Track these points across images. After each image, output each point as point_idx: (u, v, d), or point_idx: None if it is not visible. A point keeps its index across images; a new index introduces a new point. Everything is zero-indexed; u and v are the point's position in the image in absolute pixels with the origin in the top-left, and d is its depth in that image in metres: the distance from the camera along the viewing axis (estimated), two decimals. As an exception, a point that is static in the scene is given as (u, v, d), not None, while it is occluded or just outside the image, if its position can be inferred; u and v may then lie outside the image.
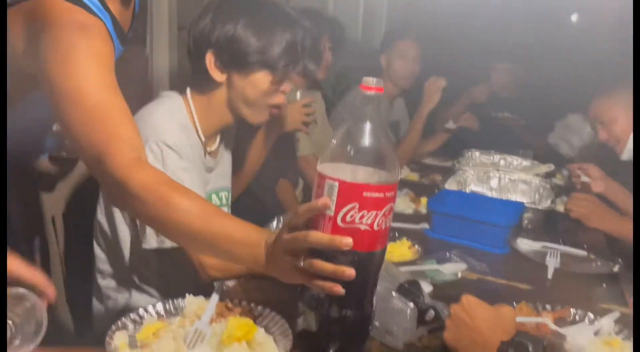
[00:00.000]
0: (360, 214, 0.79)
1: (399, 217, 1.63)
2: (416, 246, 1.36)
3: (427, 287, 1.08)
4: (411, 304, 0.93)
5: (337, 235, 0.78)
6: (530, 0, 3.15)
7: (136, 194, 0.85)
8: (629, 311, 1.11)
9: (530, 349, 0.79)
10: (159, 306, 0.95)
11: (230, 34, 1.16)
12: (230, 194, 1.45)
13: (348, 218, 0.80)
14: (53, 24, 0.91)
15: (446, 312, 0.91)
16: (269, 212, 1.54)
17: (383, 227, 0.81)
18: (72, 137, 0.91)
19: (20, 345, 0.70)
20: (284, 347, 0.85)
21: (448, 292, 1.09)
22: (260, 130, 1.70)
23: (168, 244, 1.15)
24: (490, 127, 2.69)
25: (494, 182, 1.88)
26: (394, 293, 0.94)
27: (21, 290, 0.74)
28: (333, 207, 0.80)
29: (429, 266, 1.25)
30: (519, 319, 0.96)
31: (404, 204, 1.76)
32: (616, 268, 1.36)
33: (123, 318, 0.90)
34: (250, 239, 0.84)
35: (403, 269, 1.17)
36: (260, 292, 1.09)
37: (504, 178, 1.88)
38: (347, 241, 0.76)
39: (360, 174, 0.81)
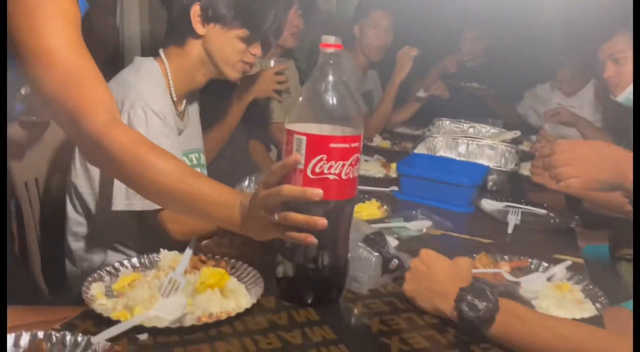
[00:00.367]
0: (329, 164, 0.84)
1: (370, 180, 1.69)
2: (385, 206, 1.41)
3: (393, 242, 1.13)
4: (376, 253, 0.98)
5: (308, 187, 0.83)
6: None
7: (113, 154, 0.88)
8: (581, 260, 1.19)
9: (487, 291, 0.84)
10: (134, 260, 0.98)
11: None
12: (202, 156, 1.47)
13: (317, 169, 0.84)
14: None
15: (410, 261, 0.97)
16: (242, 173, 1.57)
17: (351, 176, 0.86)
18: (45, 99, 0.92)
19: None
20: (255, 294, 0.89)
21: (412, 246, 1.14)
22: (233, 96, 1.72)
23: (137, 207, 1.18)
24: (462, 97, 2.74)
25: (462, 148, 1.93)
26: (360, 243, 0.99)
27: None
28: (302, 161, 0.85)
29: (396, 223, 1.30)
30: (476, 270, 1.02)
31: (375, 168, 1.81)
32: (573, 224, 1.44)
33: (99, 271, 0.93)
34: (224, 200, 0.88)
35: (372, 226, 1.22)
36: (233, 247, 1.13)
37: (471, 144, 1.94)
38: (318, 192, 0.81)
39: (326, 127, 0.86)
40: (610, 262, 1.61)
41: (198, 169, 1.43)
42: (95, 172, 1.28)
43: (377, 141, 2.33)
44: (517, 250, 1.17)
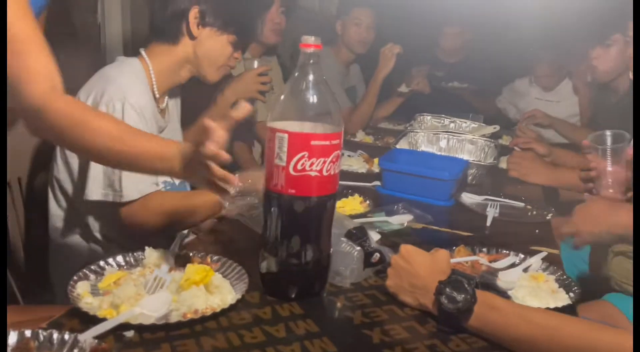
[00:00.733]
0: (310, 161, 0.86)
1: (353, 176, 1.71)
2: (367, 201, 1.44)
3: (375, 236, 1.16)
4: (358, 248, 1.00)
5: (290, 184, 0.87)
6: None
7: (54, 121, 0.91)
8: (557, 251, 1.23)
9: (465, 284, 0.87)
10: (119, 258, 0.98)
11: None
12: None
13: (299, 166, 0.86)
14: None
15: (391, 255, 0.99)
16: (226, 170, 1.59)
17: (332, 172, 0.88)
18: None
19: None
20: (240, 290, 0.91)
21: (394, 239, 1.17)
22: (216, 97, 1.72)
23: (110, 197, 1.21)
24: (443, 94, 2.78)
25: (443, 143, 1.97)
26: (342, 238, 1.01)
27: None
28: (285, 158, 0.87)
29: (378, 218, 1.32)
30: (454, 260, 1.05)
31: (357, 164, 1.84)
32: (549, 216, 1.48)
33: (84, 269, 0.93)
34: (165, 153, 0.93)
35: (354, 220, 1.24)
36: (217, 245, 1.15)
37: (452, 139, 1.98)
38: (226, 157, 0.87)
39: (307, 125, 0.88)
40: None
41: None
42: (77, 166, 1.29)
43: (360, 136, 2.36)
44: (495, 242, 1.21)
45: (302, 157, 0.86)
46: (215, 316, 0.83)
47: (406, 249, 0.95)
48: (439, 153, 1.88)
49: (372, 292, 0.97)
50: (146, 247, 1.01)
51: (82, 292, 0.87)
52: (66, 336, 0.73)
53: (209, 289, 0.88)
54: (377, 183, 1.64)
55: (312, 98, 0.89)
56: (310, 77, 0.89)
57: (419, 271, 0.92)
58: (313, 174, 0.87)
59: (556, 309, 0.92)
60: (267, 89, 1.77)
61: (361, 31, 2.52)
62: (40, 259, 1.41)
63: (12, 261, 1.41)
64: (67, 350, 0.71)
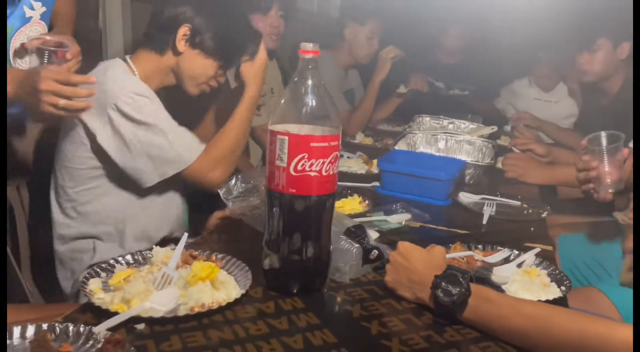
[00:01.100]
0: (310, 162, 0.90)
1: (352, 177, 1.75)
2: (366, 201, 1.48)
3: (374, 234, 1.20)
4: (357, 245, 1.04)
5: (292, 184, 0.91)
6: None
7: None
8: (550, 248, 1.27)
9: (459, 278, 0.91)
10: (128, 257, 1.03)
11: (211, 24, 1.37)
12: None
13: (299, 167, 0.91)
14: None
15: (389, 252, 1.03)
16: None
17: (331, 172, 0.92)
18: None
19: None
20: (243, 286, 0.95)
21: (392, 238, 1.21)
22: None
23: (170, 172, 1.32)
24: (442, 97, 2.81)
25: (441, 144, 2.00)
26: (341, 236, 1.05)
27: None
28: (285, 159, 0.91)
29: (377, 217, 1.36)
30: (450, 255, 1.09)
31: (357, 165, 1.88)
32: (544, 214, 1.52)
33: (95, 267, 0.98)
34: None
35: (353, 219, 1.28)
36: (220, 243, 1.19)
37: (450, 140, 2.02)
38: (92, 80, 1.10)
39: (306, 128, 0.92)
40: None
41: None
42: (80, 171, 1.33)
43: (360, 138, 2.40)
44: (491, 239, 1.25)
45: (302, 158, 0.91)
46: (221, 309, 0.87)
47: (404, 245, 0.99)
48: (437, 154, 1.93)
49: (370, 287, 1.01)
50: (153, 246, 1.06)
51: (94, 288, 0.91)
52: (81, 329, 0.77)
53: (214, 285, 0.93)
54: (376, 184, 1.68)
55: (311, 102, 0.93)
56: (309, 82, 0.93)
57: (416, 266, 0.96)
58: (313, 174, 0.91)
59: (547, 302, 0.96)
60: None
61: (373, 44, 2.54)
62: (46, 261, 1.45)
63: (20, 262, 1.46)
64: (82, 342, 0.75)
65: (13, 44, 1.31)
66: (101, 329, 0.77)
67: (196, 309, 0.87)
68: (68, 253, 1.38)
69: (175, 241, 1.16)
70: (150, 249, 1.05)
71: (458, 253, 1.12)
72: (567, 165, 1.68)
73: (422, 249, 1.00)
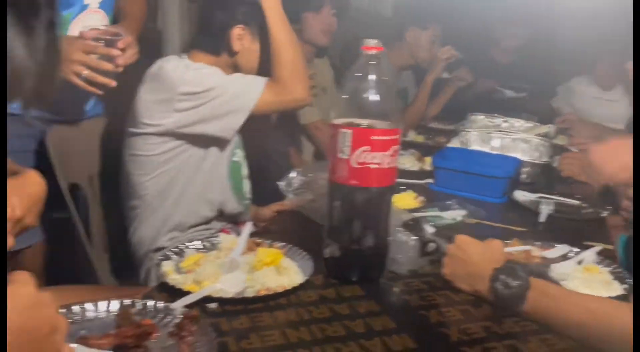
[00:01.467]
0: (371, 155, 0.94)
1: (405, 173, 1.77)
2: (420, 197, 1.50)
3: (429, 229, 1.21)
4: (414, 237, 1.06)
5: (353, 176, 0.94)
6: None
7: None
8: (611, 247, 1.24)
9: (518, 271, 0.92)
10: (197, 243, 1.09)
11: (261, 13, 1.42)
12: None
13: (361, 159, 0.94)
14: None
15: (446, 246, 1.05)
16: (282, 170, 1.69)
17: (391, 165, 0.95)
18: None
19: None
20: (305, 272, 0.99)
21: (447, 233, 1.22)
22: None
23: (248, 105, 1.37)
24: (496, 98, 2.78)
25: (495, 142, 1.98)
26: (398, 228, 1.08)
27: None
28: (348, 152, 0.95)
29: (432, 213, 1.38)
30: (508, 249, 1.10)
31: (410, 162, 1.89)
32: (604, 213, 1.49)
33: (166, 251, 1.05)
34: None
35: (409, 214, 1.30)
36: (280, 233, 1.24)
37: (505, 138, 1.99)
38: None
39: (368, 122, 0.95)
40: None
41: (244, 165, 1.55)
42: (150, 158, 1.41)
43: (412, 136, 2.41)
44: (549, 237, 1.24)
45: (364, 151, 0.94)
46: (285, 293, 0.92)
47: (461, 238, 1.01)
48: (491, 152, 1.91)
49: (427, 279, 1.03)
50: (220, 234, 1.12)
51: (168, 270, 0.98)
52: (159, 305, 0.83)
53: (278, 270, 0.97)
54: (429, 181, 1.69)
55: (374, 97, 0.96)
56: (372, 77, 0.96)
57: (474, 259, 0.98)
58: (373, 166, 0.95)
59: (609, 298, 0.95)
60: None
61: (434, 47, 2.54)
62: (120, 247, 1.55)
63: (94, 248, 1.56)
64: (161, 317, 0.82)
65: (71, 31, 1.36)
66: (178, 306, 0.83)
67: (262, 292, 0.92)
68: (141, 238, 1.47)
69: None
70: (217, 236, 1.12)
71: (516, 247, 1.13)
72: None
73: (480, 243, 1.01)
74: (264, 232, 1.24)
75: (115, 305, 0.83)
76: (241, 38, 1.42)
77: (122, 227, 1.52)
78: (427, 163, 1.84)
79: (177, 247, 1.07)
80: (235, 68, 1.47)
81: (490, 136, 2.01)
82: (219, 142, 1.43)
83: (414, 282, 1.02)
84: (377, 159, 0.94)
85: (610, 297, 0.96)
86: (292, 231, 1.27)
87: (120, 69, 1.30)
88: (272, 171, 1.76)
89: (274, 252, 1.00)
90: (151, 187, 1.42)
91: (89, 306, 0.82)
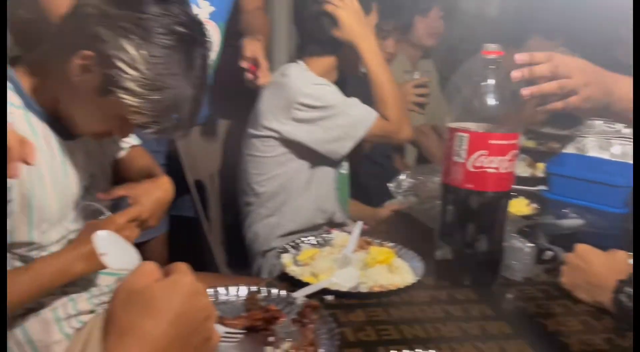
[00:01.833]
0: (489, 159, 0.94)
1: (516, 179, 1.71)
2: (533, 204, 1.45)
3: (545, 237, 1.18)
4: (530, 244, 1.04)
5: (469, 179, 0.94)
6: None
7: None
8: None
9: (646, 284, 0.87)
10: (311, 238, 1.16)
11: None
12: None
13: (477, 163, 0.94)
14: None
15: (563, 255, 1.02)
16: (387, 174, 1.71)
17: (508, 170, 0.94)
18: None
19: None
20: (417, 273, 1.01)
21: (564, 242, 1.18)
22: None
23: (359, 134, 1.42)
24: None
25: (615, 149, 1.86)
26: (513, 234, 1.06)
27: (97, 205, 0.98)
28: (464, 155, 0.95)
29: (547, 220, 1.33)
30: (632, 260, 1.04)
31: (521, 168, 1.83)
32: None
33: (284, 244, 1.12)
34: None
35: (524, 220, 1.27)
36: (388, 234, 1.27)
37: (627, 145, 1.86)
38: None
39: (486, 126, 0.95)
40: None
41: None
42: (266, 159, 1.50)
43: (522, 141, 2.32)
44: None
45: (481, 155, 0.95)
46: (397, 291, 0.95)
47: (582, 248, 0.98)
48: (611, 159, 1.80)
49: (543, 287, 1.01)
50: (333, 231, 1.17)
51: (287, 262, 1.05)
52: (282, 293, 0.90)
53: (390, 269, 1.01)
54: (542, 187, 1.63)
55: (492, 101, 0.96)
56: (490, 81, 0.96)
57: (596, 269, 0.94)
58: (490, 171, 0.95)
59: None
60: (423, 101, 1.82)
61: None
62: (236, 240, 1.66)
63: (213, 243, 1.68)
64: (284, 304, 0.88)
65: None
66: (299, 295, 0.89)
67: (376, 288, 0.95)
68: (260, 234, 1.57)
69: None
70: (330, 232, 1.18)
71: (643, 260, 1.06)
72: None
73: (601, 253, 0.97)
74: (372, 232, 1.28)
75: (243, 290, 0.91)
76: None
77: (237, 223, 1.64)
78: (539, 169, 1.77)
79: (294, 241, 1.14)
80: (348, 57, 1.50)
81: (610, 142, 1.89)
82: (328, 158, 1.49)
83: (528, 289, 1.00)
84: (495, 164, 0.94)
85: None
86: (400, 231, 1.29)
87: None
88: (377, 175, 1.80)
89: (386, 251, 1.03)
90: (266, 186, 1.51)
91: (221, 290, 0.90)
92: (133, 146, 1.20)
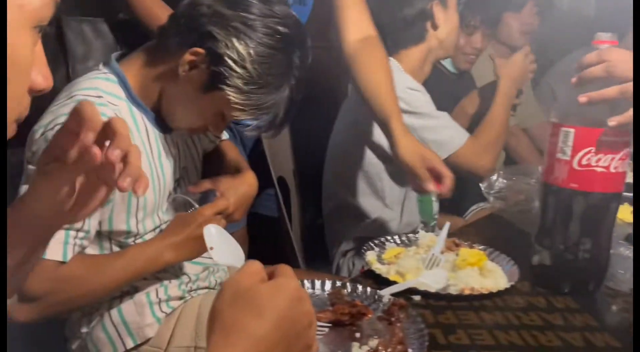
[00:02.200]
0: (597, 157, 0.86)
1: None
2: (639, 211, 1.32)
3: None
4: None
5: (573, 178, 0.87)
6: None
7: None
8: None
9: None
10: (396, 237, 1.12)
11: None
12: None
13: (584, 161, 0.87)
14: None
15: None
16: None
17: (620, 170, 0.86)
18: None
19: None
20: (510, 277, 0.95)
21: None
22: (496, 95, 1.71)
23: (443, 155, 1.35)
24: None
25: None
26: (621, 241, 0.97)
27: (186, 197, 0.98)
28: (569, 152, 0.89)
29: (657, 229, 1.21)
30: None
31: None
32: None
33: (369, 242, 1.10)
34: None
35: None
36: (478, 236, 1.21)
37: None
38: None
39: (595, 121, 0.88)
40: None
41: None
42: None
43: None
44: None
45: (588, 152, 0.87)
46: (490, 296, 0.90)
47: None
48: None
49: (655, 300, 0.91)
50: (419, 230, 1.14)
51: (371, 259, 1.02)
52: (368, 290, 0.88)
53: (482, 272, 0.95)
54: (649, 194, 1.48)
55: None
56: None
57: None
58: (599, 169, 0.87)
59: None
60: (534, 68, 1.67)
61: None
62: (314, 237, 1.66)
63: (292, 238, 1.69)
64: (369, 301, 0.86)
65: None
66: (386, 293, 0.86)
67: (466, 291, 0.91)
68: (337, 231, 1.56)
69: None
70: (415, 232, 1.14)
71: None
72: None
73: None
74: (460, 234, 1.22)
75: (329, 285, 0.90)
76: (439, 11, 1.43)
77: (315, 220, 1.64)
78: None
79: (378, 239, 1.11)
80: (440, 51, 1.48)
81: None
82: None
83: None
84: (604, 162, 0.86)
85: None
86: (490, 234, 1.22)
87: None
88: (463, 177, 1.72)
89: (477, 254, 0.98)
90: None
91: (306, 283, 0.90)
92: (222, 140, 1.23)
